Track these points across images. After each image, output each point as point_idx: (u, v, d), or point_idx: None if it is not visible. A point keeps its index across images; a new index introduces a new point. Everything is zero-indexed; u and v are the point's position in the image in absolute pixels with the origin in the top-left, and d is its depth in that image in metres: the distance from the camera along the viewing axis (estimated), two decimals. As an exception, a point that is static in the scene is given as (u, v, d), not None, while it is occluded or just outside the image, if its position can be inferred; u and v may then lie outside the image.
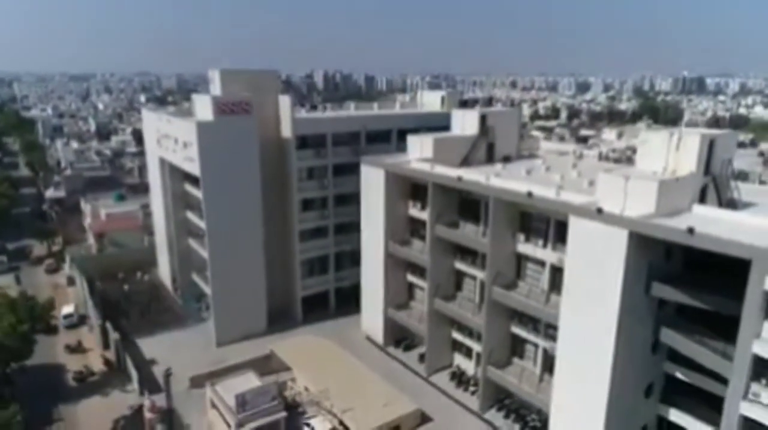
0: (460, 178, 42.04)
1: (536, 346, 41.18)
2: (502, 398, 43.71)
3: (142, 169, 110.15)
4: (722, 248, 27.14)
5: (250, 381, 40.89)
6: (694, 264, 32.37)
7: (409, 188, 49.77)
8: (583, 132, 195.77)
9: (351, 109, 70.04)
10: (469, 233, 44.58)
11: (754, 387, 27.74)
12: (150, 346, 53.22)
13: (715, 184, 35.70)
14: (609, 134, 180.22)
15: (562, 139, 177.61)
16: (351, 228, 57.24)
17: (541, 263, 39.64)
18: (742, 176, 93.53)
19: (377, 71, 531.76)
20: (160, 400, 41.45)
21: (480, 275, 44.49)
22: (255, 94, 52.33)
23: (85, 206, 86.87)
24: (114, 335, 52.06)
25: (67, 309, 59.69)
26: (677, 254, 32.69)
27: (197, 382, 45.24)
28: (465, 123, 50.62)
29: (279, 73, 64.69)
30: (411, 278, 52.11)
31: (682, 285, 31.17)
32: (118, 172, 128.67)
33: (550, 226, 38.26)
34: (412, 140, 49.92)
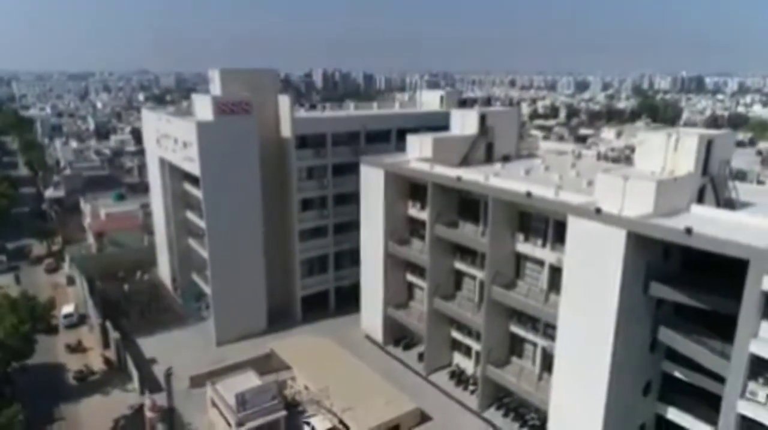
0: (459, 178, 42.19)
1: (535, 345, 41.38)
2: (501, 397, 43.90)
3: (142, 168, 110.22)
4: (720, 248, 27.33)
5: (250, 380, 41.06)
6: (692, 264, 32.54)
7: (409, 188, 49.92)
8: (582, 131, 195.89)
9: (350, 109, 70.22)
10: (468, 233, 44.74)
11: (752, 386, 27.94)
12: (150, 345, 53.37)
13: (713, 185, 35.89)
14: (608, 133, 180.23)
15: (561, 138, 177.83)
16: (350, 228, 57.38)
17: (540, 263, 39.82)
18: (741, 175, 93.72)
19: (376, 70, 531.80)
20: (160, 399, 41.58)
21: (479, 274, 44.66)
22: (255, 93, 52.45)
23: (85, 206, 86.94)
24: (114, 335, 52.19)
25: (67, 309, 59.80)
26: (675, 253, 32.87)
27: (197, 381, 45.39)
28: (464, 123, 50.74)
29: (278, 72, 64.74)
30: (410, 277, 52.27)
31: (680, 285, 31.35)
32: (117, 171, 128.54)
33: (549, 226, 38.44)
34: (411, 140, 50.06)
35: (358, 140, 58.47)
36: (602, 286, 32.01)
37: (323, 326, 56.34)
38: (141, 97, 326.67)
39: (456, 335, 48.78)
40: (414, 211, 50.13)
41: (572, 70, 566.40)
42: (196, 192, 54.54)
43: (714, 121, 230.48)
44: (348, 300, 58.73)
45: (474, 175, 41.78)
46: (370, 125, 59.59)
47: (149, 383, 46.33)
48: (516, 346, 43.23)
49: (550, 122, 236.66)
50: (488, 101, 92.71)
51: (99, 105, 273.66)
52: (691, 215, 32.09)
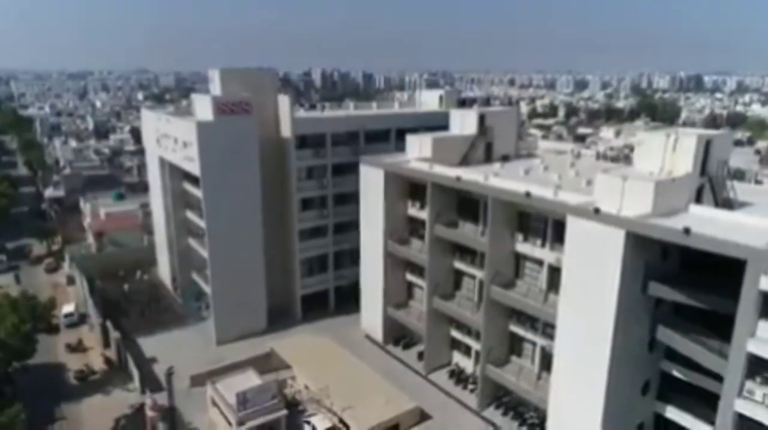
0: (458, 178, 42.33)
1: (534, 344, 41.55)
2: (500, 396, 44.07)
3: (141, 168, 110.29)
4: (718, 248, 27.50)
5: (250, 379, 41.22)
6: (690, 263, 32.70)
7: (408, 188, 50.05)
8: (581, 130, 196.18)
9: (350, 108, 70.36)
10: (467, 233, 44.89)
11: (749, 385, 28.14)
12: (150, 345, 53.50)
13: (712, 185, 36.03)
14: (607, 132, 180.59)
15: (560, 137, 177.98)
16: (350, 227, 57.51)
17: (540, 263, 39.98)
18: (739, 174, 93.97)
19: (375, 69, 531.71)
20: (161, 398, 41.73)
21: (479, 274, 44.83)
22: (254, 93, 52.56)
23: (85, 205, 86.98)
24: (115, 334, 52.32)
25: (68, 308, 59.89)
26: (674, 253, 33.04)
27: (198, 380, 45.53)
28: (463, 123, 50.86)
29: (277, 71, 64.88)
30: (410, 277, 52.42)
31: (679, 284, 31.53)
32: (116, 171, 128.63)
33: (548, 225, 38.60)
34: (410, 140, 50.19)
35: (358, 140, 58.59)
36: (601, 285, 32.18)
37: (323, 326, 56.50)
38: (140, 96, 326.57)
39: (455, 334, 48.95)
40: (413, 210, 50.27)
41: (571, 68, 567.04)
42: (196, 192, 54.65)
43: (713, 120, 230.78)
44: (348, 299, 58.87)
45: (473, 175, 41.92)
46: (370, 125, 59.72)
47: (150, 383, 46.47)
48: (515, 345, 43.41)
49: (549, 121, 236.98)
50: (487, 101, 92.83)
51: (98, 104, 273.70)
52: (689, 215, 32.26)
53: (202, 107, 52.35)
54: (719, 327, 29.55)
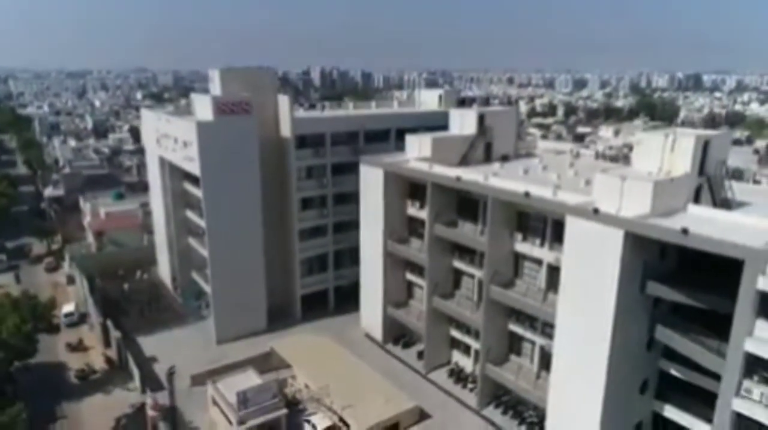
0: (458, 178, 42.48)
1: (533, 343, 41.73)
2: (499, 395, 44.25)
3: (141, 167, 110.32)
4: (716, 248, 27.68)
5: (250, 379, 41.38)
6: (688, 263, 32.88)
7: (408, 188, 50.19)
8: (580, 129, 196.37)
9: (349, 108, 70.47)
10: (467, 232, 45.05)
11: (746, 384, 28.31)
12: (150, 344, 53.64)
13: (710, 185, 36.22)
14: (606, 132, 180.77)
15: (559, 136, 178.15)
16: (350, 227, 57.64)
17: (539, 262, 40.14)
18: (738, 174, 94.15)
19: (374, 68, 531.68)
20: (161, 398, 41.89)
21: (478, 273, 45.00)
22: (254, 93, 52.66)
23: (84, 205, 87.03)
24: (115, 333, 52.46)
25: (68, 308, 60.06)
26: (672, 253, 33.22)
27: (198, 380, 45.68)
28: (463, 122, 50.99)
29: (276, 70, 64.94)
30: (410, 276, 52.58)
31: (677, 284, 31.71)
32: (116, 170, 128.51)
33: (547, 225, 38.76)
34: (410, 140, 50.33)
35: (357, 140, 58.71)
36: (600, 285, 32.36)
37: (323, 325, 56.66)
38: (139, 95, 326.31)
39: (455, 333, 49.13)
40: (413, 210, 50.42)
41: (570, 68, 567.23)
42: (196, 191, 54.77)
43: (711, 120, 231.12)
44: (347, 299, 59.00)
45: (473, 175, 42.06)
46: (369, 125, 59.85)
47: (150, 382, 46.61)
48: (514, 344, 43.58)
49: (548, 120, 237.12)
50: (487, 101, 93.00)
51: (97, 103, 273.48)
52: (687, 215, 32.45)
53: (202, 107, 52.45)
54: (717, 326, 29.74)
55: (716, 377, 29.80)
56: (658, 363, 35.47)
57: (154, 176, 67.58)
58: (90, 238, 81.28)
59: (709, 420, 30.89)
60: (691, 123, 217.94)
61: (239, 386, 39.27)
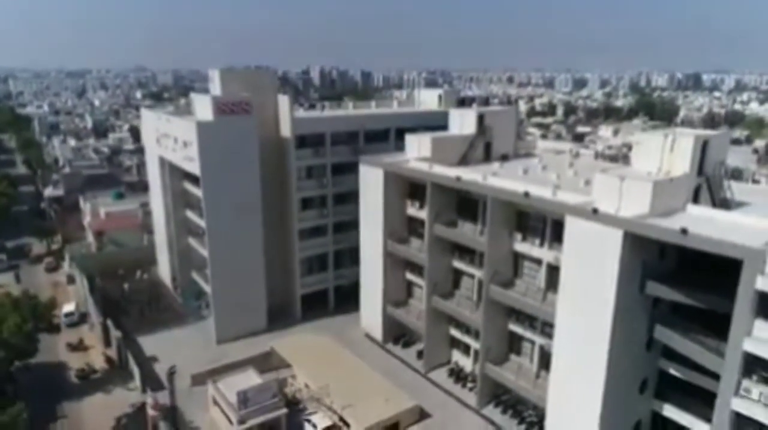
0: (458, 178, 42.55)
1: (533, 343, 41.82)
2: (499, 394, 44.37)
3: (141, 166, 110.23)
4: (715, 248, 27.78)
5: (250, 378, 41.52)
6: (688, 263, 32.99)
7: (408, 187, 50.26)
8: (580, 129, 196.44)
9: (349, 108, 70.52)
10: (467, 232, 45.13)
11: (745, 383, 28.42)
12: (151, 344, 53.72)
13: (709, 185, 36.33)
14: (605, 131, 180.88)
15: (558, 136, 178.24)
16: (350, 226, 57.72)
17: (538, 262, 40.23)
18: (737, 173, 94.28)
19: (374, 67, 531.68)
20: (162, 397, 41.97)
21: (478, 273, 45.09)
22: (254, 93, 52.72)
23: (84, 205, 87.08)
24: (116, 333, 52.53)
25: (68, 307, 60.13)
26: (671, 253, 33.32)
27: (198, 379, 45.76)
28: (463, 122, 51.07)
29: (276, 70, 64.99)
30: (409, 276, 52.66)
31: (676, 284, 31.81)
32: (116, 169, 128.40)
33: (546, 225, 38.84)
34: (410, 140, 50.40)
35: (357, 140, 58.78)
36: (599, 285, 32.45)
37: (323, 325, 56.75)
38: (138, 94, 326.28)
39: (455, 332, 49.22)
40: (413, 210, 50.50)
41: (570, 67, 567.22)
42: (196, 191, 54.83)
43: (711, 119, 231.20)
44: (347, 299, 59.08)
45: (472, 175, 42.14)
46: (369, 125, 59.92)
47: (151, 382, 46.69)
48: (514, 344, 43.68)
49: (548, 120, 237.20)
50: (486, 101, 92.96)
51: (96, 103, 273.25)
52: (686, 214, 32.56)
53: (202, 107, 52.51)
54: (716, 326, 29.84)
55: (715, 376, 29.91)
56: (657, 362, 35.58)
57: (154, 176, 67.64)
58: (90, 238, 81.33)
59: (708, 419, 31.00)
60: (691, 122, 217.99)
61: (239, 386, 39.41)
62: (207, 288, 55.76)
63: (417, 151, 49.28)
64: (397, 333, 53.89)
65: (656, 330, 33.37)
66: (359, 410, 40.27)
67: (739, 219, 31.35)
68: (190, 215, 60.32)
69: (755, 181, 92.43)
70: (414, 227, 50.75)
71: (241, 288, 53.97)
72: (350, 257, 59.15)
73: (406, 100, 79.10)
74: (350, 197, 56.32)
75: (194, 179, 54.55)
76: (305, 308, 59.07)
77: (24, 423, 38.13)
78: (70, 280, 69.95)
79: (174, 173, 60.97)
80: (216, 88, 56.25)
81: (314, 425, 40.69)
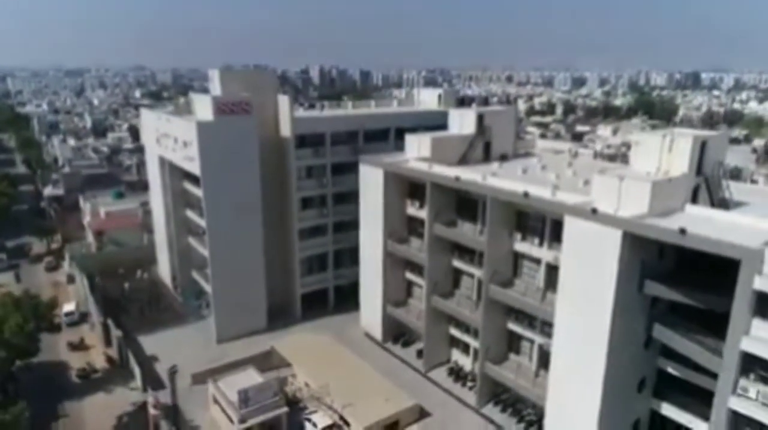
0: (458, 178, 42.69)
1: (532, 342, 42.00)
2: (498, 393, 44.54)
3: (140, 166, 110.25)
4: (713, 248, 27.95)
5: (251, 377, 41.68)
6: (686, 263, 33.18)
7: (407, 187, 50.39)
8: (579, 128, 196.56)
9: (348, 107, 70.61)
10: (466, 232, 45.28)
11: (743, 382, 28.63)
12: (151, 343, 53.85)
13: (707, 185, 36.50)
14: (604, 130, 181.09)
15: (557, 135, 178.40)
16: (350, 226, 57.82)
17: (537, 262, 40.40)
18: (736, 173, 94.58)
19: (373, 66, 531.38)
20: (163, 396, 42.15)
21: (477, 272, 45.24)
22: (254, 93, 52.81)
23: (84, 204, 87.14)
24: (116, 332, 52.67)
25: (69, 307, 60.22)
26: (670, 252, 33.49)
27: (199, 378, 45.90)
28: (462, 122, 51.20)
29: (275, 69, 65.05)
30: (409, 275, 52.81)
31: (675, 283, 31.99)
32: (115, 169, 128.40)
33: (546, 225, 39.01)
34: (409, 139, 50.52)
35: (357, 139, 58.88)
36: (598, 284, 32.62)
37: (323, 324, 56.90)
38: (138, 93, 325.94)
39: (454, 332, 49.38)
40: (413, 210, 50.64)
41: (569, 66, 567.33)
42: (196, 191, 54.95)
43: (710, 118, 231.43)
44: (347, 298, 59.24)
45: (472, 175, 42.27)
46: (369, 124, 60.03)
47: (151, 381, 46.87)
48: (513, 343, 43.86)
49: (547, 119, 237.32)
50: (486, 100, 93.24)
51: (95, 102, 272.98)
52: (685, 214, 32.72)
53: (202, 107, 52.61)
54: (714, 325, 30.02)
55: (713, 375, 30.12)
56: (655, 362, 35.76)
57: (153, 175, 67.73)
58: (90, 237, 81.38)
59: (706, 418, 31.21)
60: (690, 121, 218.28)
61: (240, 385, 39.57)
62: (207, 287, 55.90)
63: (417, 150, 49.41)
64: (397, 332, 54.06)
65: (655, 329, 33.54)
66: (359, 409, 40.43)
67: (738, 219, 31.51)
68: (190, 214, 60.43)
69: (753, 181, 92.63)
70: (414, 226, 50.88)
71: (241, 288, 54.10)
72: (350, 256, 59.27)
73: (406, 99, 79.20)
74: (350, 197, 56.43)
75: (194, 179, 54.65)
76: (305, 308, 59.21)
77: (25, 422, 38.28)
78: (70, 279, 70.05)
79: (174, 173, 61.06)
80: (216, 88, 56.36)
81: (314, 424, 40.86)
